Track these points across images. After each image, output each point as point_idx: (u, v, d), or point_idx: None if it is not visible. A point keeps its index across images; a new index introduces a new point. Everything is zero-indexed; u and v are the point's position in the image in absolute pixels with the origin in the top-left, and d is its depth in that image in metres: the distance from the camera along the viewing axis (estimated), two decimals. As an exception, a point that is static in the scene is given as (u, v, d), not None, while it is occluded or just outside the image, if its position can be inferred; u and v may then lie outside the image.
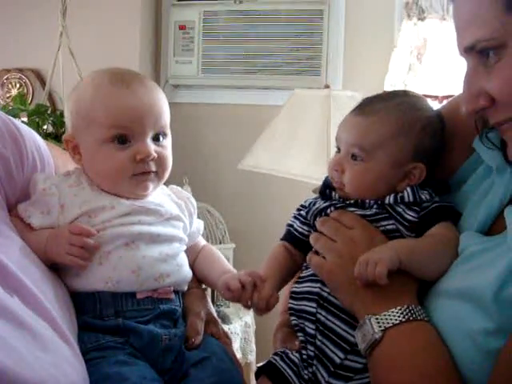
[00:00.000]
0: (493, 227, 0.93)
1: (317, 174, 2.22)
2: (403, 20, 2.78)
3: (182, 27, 3.16)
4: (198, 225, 1.19)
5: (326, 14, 2.94)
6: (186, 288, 1.10)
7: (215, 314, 1.14)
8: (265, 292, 1.01)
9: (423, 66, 2.75)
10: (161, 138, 1.06)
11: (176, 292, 1.06)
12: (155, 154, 1.04)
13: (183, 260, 1.09)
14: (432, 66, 2.74)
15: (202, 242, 1.21)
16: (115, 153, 1.03)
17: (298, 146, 2.33)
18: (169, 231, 1.07)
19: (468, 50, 0.87)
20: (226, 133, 3.13)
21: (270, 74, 3.06)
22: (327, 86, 2.69)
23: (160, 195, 1.11)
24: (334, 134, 2.24)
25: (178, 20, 3.17)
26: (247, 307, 1.03)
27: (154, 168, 1.05)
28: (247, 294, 1.01)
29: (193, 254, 1.16)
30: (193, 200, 1.18)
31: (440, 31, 2.72)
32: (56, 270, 1.01)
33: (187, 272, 1.09)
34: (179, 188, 1.19)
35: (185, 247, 1.11)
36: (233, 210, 2.99)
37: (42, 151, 1.09)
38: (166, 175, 1.09)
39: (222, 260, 1.18)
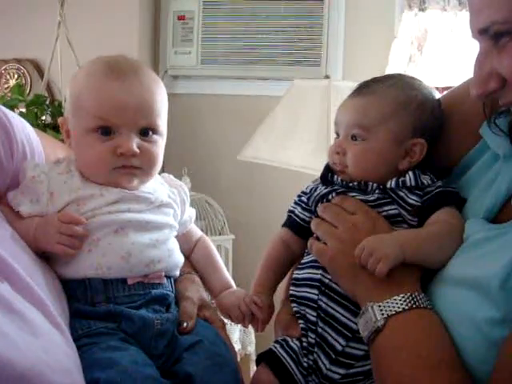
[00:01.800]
0: (499, 215, 0.92)
1: (317, 165, 2.21)
2: (404, 10, 2.77)
3: (181, 17, 3.15)
4: (191, 213, 1.18)
5: (325, 3, 2.92)
6: (178, 273, 1.09)
7: (207, 299, 1.14)
8: (264, 317, 1.07)
9: (424, 57, 2.74)
10: (150, 133, 1.04)
11: (168, 277, 1.06)
12: (137, 150, 1.02)
13: (174, 245, 1.08)
14: (433, 57, 2.73)
15: (197, 232, 1.21)
16: (97, 143, 1.02)
17: (298, 137, 2.32)
18: (159, 218, 1.06)
19: (482, 32, 0.85)
20: (226, 124, 3.13)
21: (269, 64, 3.04)
22: (327, 77, 2.68)
23: (151, 182, 1.10)
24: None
25: (177, 10, 3.15)
26: (245, 327, 1.12)
27: (136, 163, 1.03)
28: (247, 322, 1.09)
29: (188, 244, 1.17)
30: (185, 188, 1.17)
31: (441, 22, 2.71)
32: (46, 257, 1.01)
33: (178, 257, 1.09)
34: (171, 176, 1.18)
35: (175, 233, 1.10)
36: (232, 201, 2.99)
37: (32, 140, 1.08)
38: (155, 171, 1.07)
39: (221, 264, 1.19)
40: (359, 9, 2.91)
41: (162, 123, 1.06)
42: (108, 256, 0.99)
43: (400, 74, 1.12)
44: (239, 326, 2.50)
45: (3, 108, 1.04)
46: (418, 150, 1.02)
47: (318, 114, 2.29)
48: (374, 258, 0.90)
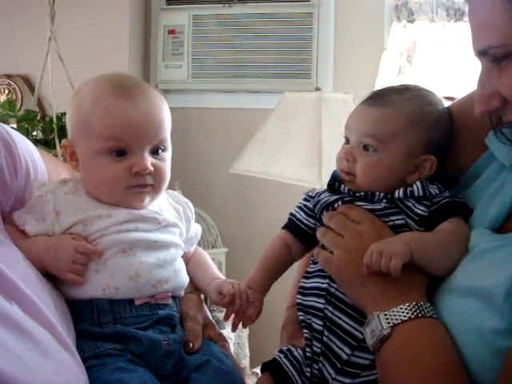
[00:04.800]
0: (504, 225, 0.93)
1: (308, 177, 2.22)
2: (393, 22, 2.79)
3: (171, 32, 3.16)
4: (196, 230, 1.18)
5: (315, 16, 2.94)
6: (182, 293, 1.09)
7: (211, 318, 1.14)
8: (251, 313, 1.05)
9: (413, 68, 2.76)
10: (159, 151, 1.05)
11: (173, 297, 1.06)
12: (151, 168, 1.02)
13: (181, 265, 1.08)
14: (422, 68, 2.75)
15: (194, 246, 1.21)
16: (111, 164, 1.01)
17: (290, 149, 2.33)
18: (166, 237, 1.06)
19: (481, 54, 0.87)
20: (217, 137, 3.13)
21: (260, 77, 3.05)
22: (318, 89, 2.70)
23: (158, 201, 1.10)
24: (326, 137, 2.25)
25: (167, 24, 3.16)
26: (227, 317, 1.07)
27: (150, 181, 1.03)
28: (236, 305, 1.04)
29: (185, 258, 1.16)
30: (190, 205, 1.17)
31: (429, 33, 2.73)
32: (51, 277, 1.00)
33: (184, 277, 1.08)
34: (176, 193, 1.18)
35: (182, 253, 1.10)
36: (224, 214, 2.99)
37: (35, 158, 1.08)
38: (164, 187, 1.08)
39: (213, 266, 1.18)
40: (348, 21, 2.93)
41: (169, 141, 1.07)
42: (116, 276, 0.99)
43: (416, 87, 1.10)
44: (233, 339, 2.49)
45: (6, 126, 1.04)
46: (427, 166, 1.03)
47: (309, 126, 2.30)
48: (384, 257, 0.91)
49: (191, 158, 3.14)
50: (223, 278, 1.13)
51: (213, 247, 2.72)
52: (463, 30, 2.63)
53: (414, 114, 1.02)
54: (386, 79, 2.72)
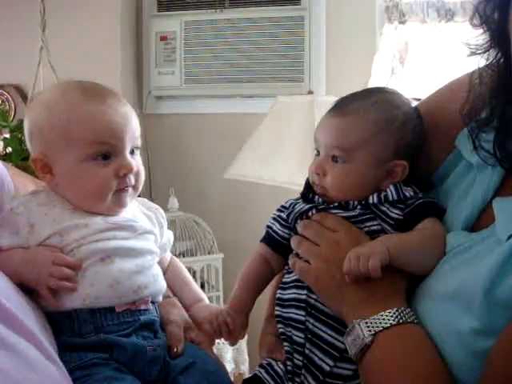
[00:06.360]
0: (476, 224, 0.92)
1: (303, 181, 2.22)
2: (384, 24, 2.79)
3: (163, 38, 3.16)
4: (169, 236, 1.18)
5: (306, 20, 2.94)
6: (161, 299, 1.09)
7: (190, 321, 1.13)
8: (235, 337, 1.05)
9: (406, 69, 2.77)
10: (135, 151, 1.06)
11: (152, 303, 1.05)
12: (136, 168, 1.04)
13: (158, 271, 1.08)
14: (414, 69, 2.75)
15: (168, 254, 1.21)
16: (98, 169, 1.01)
17: (284, 153, 2.33)
18: (142, 244, 1.06)
19: None
20: (211, 142, 3.13)
21: (253, 82, 3.05)
22: (311, 92, 2.70)
23: (131, 209, 1.09)
24: (319, 140, 2.25)
25: (159, 31, 3.16)
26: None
27: (132, 182, 1.04)
28: (216, 338, 1.07)
29: (161, 265, 1.16)
30: (161, 211, 1.17)
31: (421, 34, 2.74)
32: (28, 289, 0.98)
33: (162, 283, 1.08)
34: (145, 199, 1.17)
35: (157, 259, 1.10)
36: (220, 219, 2.98)
37: (0, 171, 1.05)
38: (141, 188, 1.08)
39: (192, 281, 1.20)
40: (340, 24, 2.93)
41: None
42: (96, 285, 0.98)
43: (380, 90, 1.09)
44: (232, 344, 2.48)
45: None
46: (399, 171, 1.00)
47: (303, 129, 2.30)
48: (362, 259, 0.90)
49: (185, 164, 3.13)
50: (204, 298, 1.15)
51: (209, 253, 2.71)
52: (454, 30, 2.63)
53: (379, 120, 1.00)
54: (378, 81, 2.73)
